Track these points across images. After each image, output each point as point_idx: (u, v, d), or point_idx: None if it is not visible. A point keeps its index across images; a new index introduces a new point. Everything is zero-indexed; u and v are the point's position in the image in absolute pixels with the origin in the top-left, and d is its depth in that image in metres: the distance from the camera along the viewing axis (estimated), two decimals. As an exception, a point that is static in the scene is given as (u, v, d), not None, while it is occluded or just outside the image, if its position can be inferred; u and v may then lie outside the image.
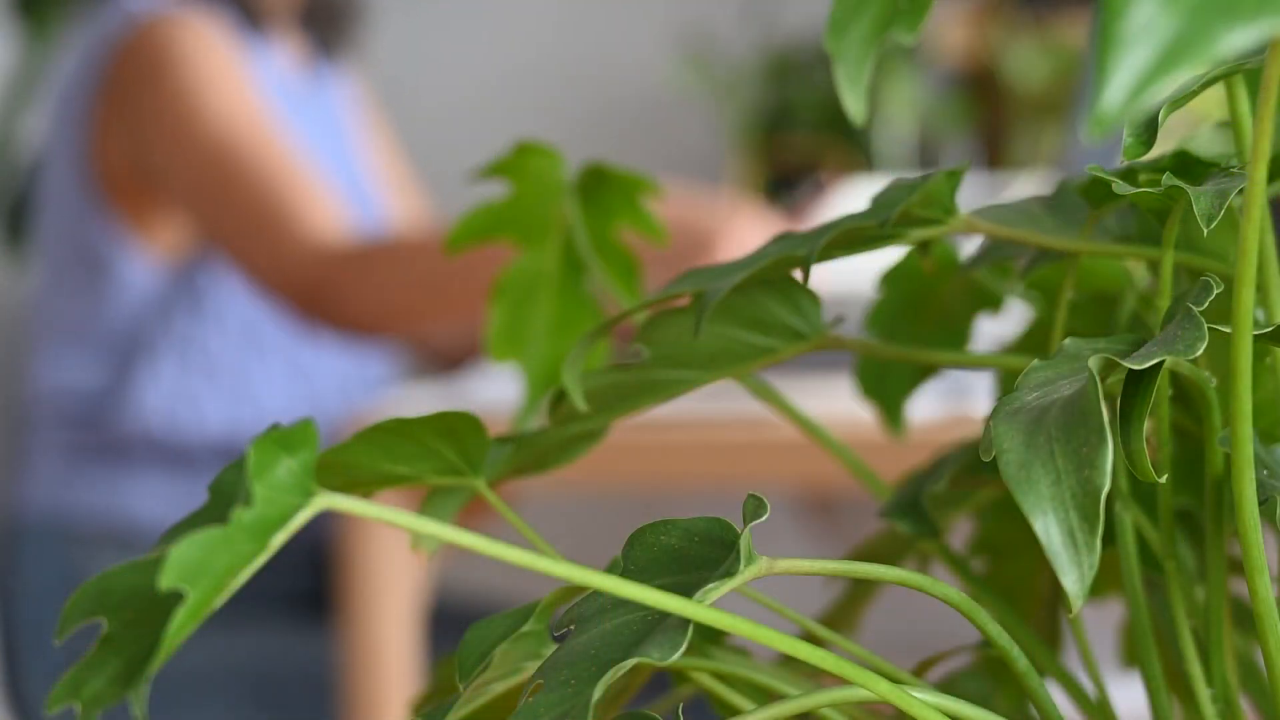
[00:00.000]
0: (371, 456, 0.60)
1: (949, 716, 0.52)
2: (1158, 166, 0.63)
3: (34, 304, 2.10)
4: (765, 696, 0.63)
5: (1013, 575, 0.77)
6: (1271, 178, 0.62)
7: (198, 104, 1.87)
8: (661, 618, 0.51)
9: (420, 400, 1.84)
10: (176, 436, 1.99)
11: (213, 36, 1.94)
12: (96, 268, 1.99)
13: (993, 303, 0.78)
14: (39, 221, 2.08)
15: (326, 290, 1.78)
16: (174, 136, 1.88)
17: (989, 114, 2.84)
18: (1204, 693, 0.60)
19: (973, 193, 2.27)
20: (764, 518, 0.52)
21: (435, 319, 1.81)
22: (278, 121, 1.92)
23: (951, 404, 1.58)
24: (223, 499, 0.50)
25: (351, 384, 2.09)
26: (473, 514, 1.93)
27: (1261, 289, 0.59)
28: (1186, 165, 0.63)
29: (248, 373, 2.02)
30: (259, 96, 1.94)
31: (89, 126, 1.97)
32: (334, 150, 2.14)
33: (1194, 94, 0.58)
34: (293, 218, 1.80)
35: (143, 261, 1.99)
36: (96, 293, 1.99)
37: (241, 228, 1.82)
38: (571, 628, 0.53)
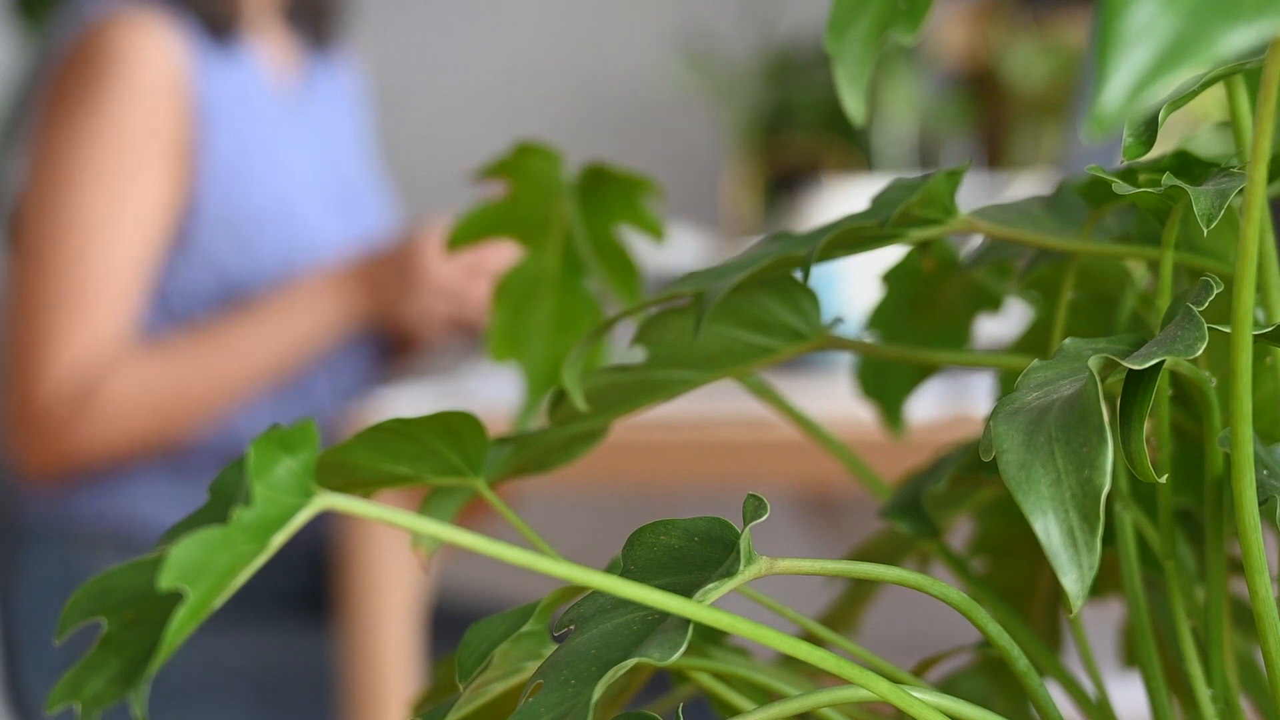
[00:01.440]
0: (371, 456, 0.60)
1: (949, 716, 0.52)
2: (1158, 166, 0.63)
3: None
4: (765, 696, 0.63)
5: (1013, 575, 0.77)
6: (1271, 178, 0.62)
7: (79, 174, 1.90)
8: (661, 618, 0.51)
9: (419, 400, 1.84)
10: (172, 442, 1.99)
11: (158, 44, 1.92)
12: None
13: (993, 303, 0.78)
14: (20, 224, 2.08)
15: (50, 436, 1.91)
16: (44, 186, 1.92)
17: (989, 114, 2.84)
18: (1204, 693, 0.60)
19: (973, 193, 2.27)
20: (764, 518, 0.52)
21: (185, 426, 1.95)
22: (145, 191, 1.93)
23: (951, 404, 1.58)
24: (223, 499, 0.50)
25: (344, 383, 2.09)
26: (473, 514, 1.93)
27: (1261, 289, 0.59)
28: (1186, 165, 0.63)
29: None
30: (157, 151, 1.93)
31: (36, 126, 1.98)
32: (323, 154, 2.12)
33: (1194, 94, 0.58)
34: (48, 343, 1.89)
35: None
36: None
37: (12, 324, 1.93)
38: (571, 628, 0.53)
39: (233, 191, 1.99)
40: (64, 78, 1.93)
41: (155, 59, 1.92)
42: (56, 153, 1.91)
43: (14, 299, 1.93)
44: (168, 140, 1.93)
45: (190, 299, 1.98)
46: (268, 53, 2.08)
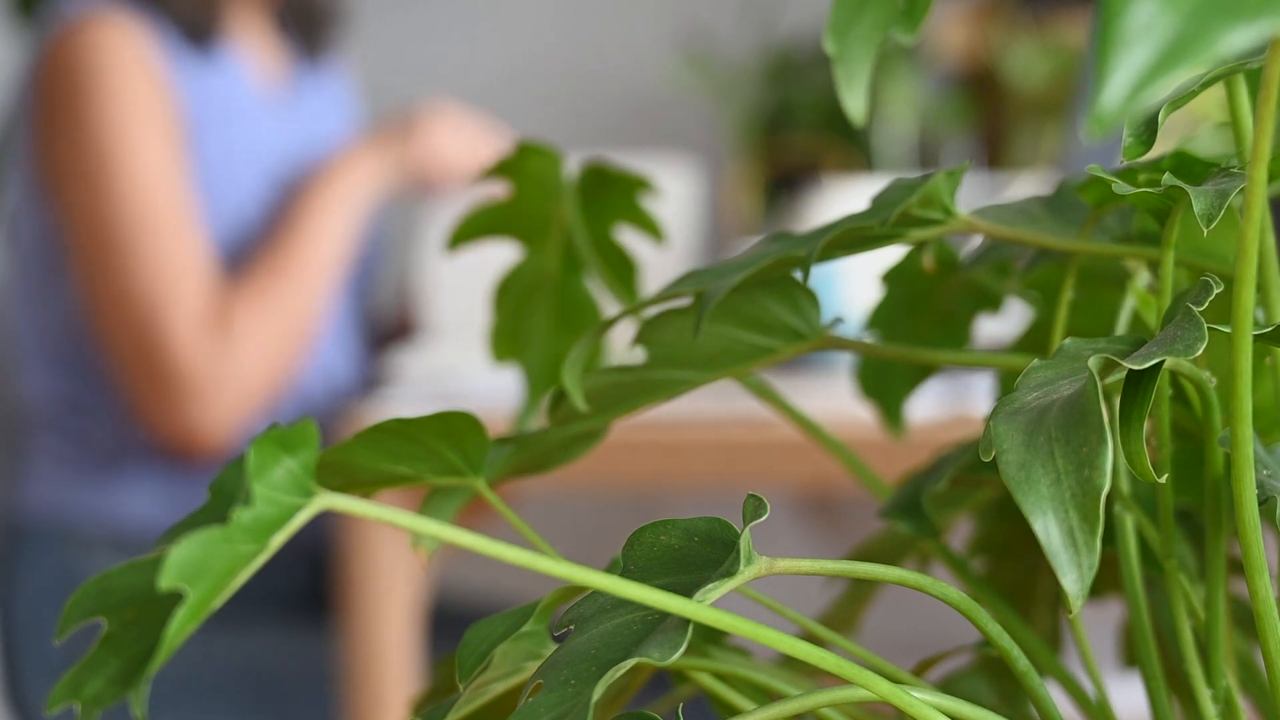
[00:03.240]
0: (371, 456, 0.60)
1: (949, 716, 0.52)
2: (1158, 166, 0.63)
3: (15, 309, 2.10)
4: (765, 696, 0.63)
5: (1013, 575, 0.77)
6: (1271, 178, 0.62)
7: (103, 161, 1.91)
8: (661, 618, 0.51)
9: (417, 400, 1.84)
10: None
11: (135, 44, 1.93)
12: (64, 274, 1.98)
13: (993, 303, 0.78)
14: (13, 227, 2.07)
15: (211, 394, 1.91)
16: (75, 190, 1.93)
17: (989, 114, 2.84)
18: (1204, 693, 0.60)
19: (973, 193, 2.27)
20: (764, 518, 0.52)
21: (306, 340, 1.99)
22: (166, 153, 1.94)
23: (951, 404, 1.58)
24: (223, 499, 0.50)
25: (340, 383, 2.09)
26: (473, 514, 1.93)
27: (1261, 289, 0.59)
28: (1186, 165, 0.63)
29: None
30: (160, 120, 1.94)
31: (30, 130, 1.97)
32: (312, 158, 2.12)
33: (1194, 94, 0.58)
34: (164, 313, 1.90)
35: None
36: (71, 301, 1.98)
37: (118, 320, 1.93)
38: (571, 628, 0.53)
39: (217, 195, 1.99)
40: (50, 78, 1.93)
41: (135, 52, 1.92)
42: (75, 149, 1.91)
43: (108, 296, 1.91)
44: (165, 120, 1.94)
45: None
46: (254, 58, 2.08)
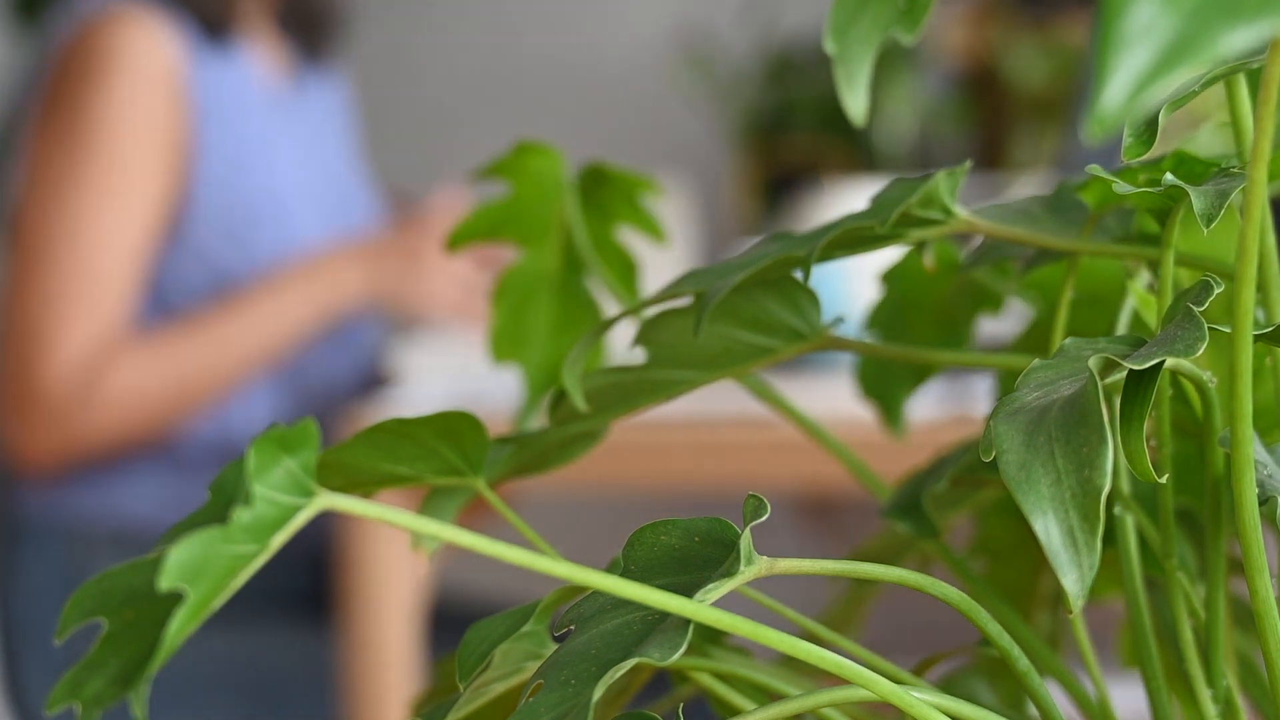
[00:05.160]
0: (371, 456, 0.60)
1: (949, 716, 0.52)
2: (1158, 166, 0.63)
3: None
4: (765, 696, 0.63)
5: (1013, 575, 0.77)
6: (1271, 178, 0.62)
7: (74, 161, 1.91)
8: (662, 618, 0.51)
9: (416, 400, 1.84)
10: (169, 437, 1.99)
11: (153, 40, 1.93)
12: None
13: (993, 303, 0.78)
14: (18, 221, 2.08)
15: (52, 427, 1.91)
16: (40, 172, 1.92)
17: (989, 114, 2.84)
18: (1204, 693, 0.60)
19: (973, 193, 2.27)
20: (764, 518, 0.52)
21: (187, 412, 1.96)
22: (142, 177, 1.93)
23: (951, 404, 1.58)
24: (223, 499, 0.50)
25: (340, 382, 2.09)
26: (473, 514, 1.93)
27: (1261, 289, 0.59)
28: (1186, 165, 0.63)
29: None
30: (153, 140, 1.93)
31: (30, 115, 1.98)
32: (314, 157, 2.12)
33: (1194, 94, 0.58)
34: (51, 333, 1.90)
35: None
36: None
37: (13, 314, 1.93)
38: (571, 628, 0.53)
39: (227, 187, 1.99)
40: (60, 75, 1.93)
41: (150, 54, 1.92)
42: (53, 149, 1.92)
43: (13, 294, 1.93)
44: (163, 135, 1.93)
45: (184, 293, 1.99)
46: (260, 54, 2.09)
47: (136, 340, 1.93)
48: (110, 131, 1.90)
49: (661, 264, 1.06)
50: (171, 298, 1.99)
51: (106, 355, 1.90)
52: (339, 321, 2.02)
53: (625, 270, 0.82)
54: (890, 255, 0.73)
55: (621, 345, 0.75)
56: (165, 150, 1.94)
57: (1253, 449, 0.53)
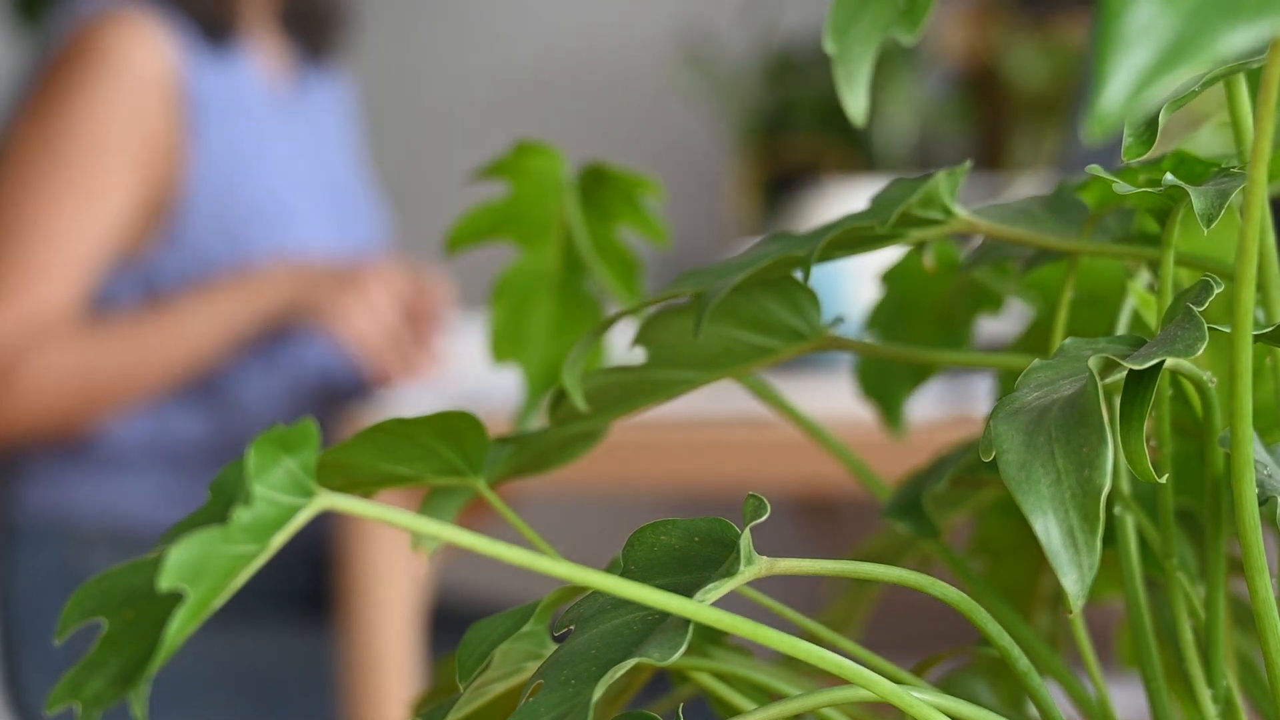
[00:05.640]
0: (371, 456, 0.60)
1: (949, 716, 0.52)
2: (1158, 166, 0.63)
3: None
4: (765, 696, 0.63)
5: (1013, 575, 0.77)
6: (1271, 178, 0.62)
7: (43, 151, 1.91)
8: (661, 618, 0.51)
9: (415, 400, 1.84)
10: (166, 438, 1.99)
11: (149, 42, 1.93)
12: None
13: (993, 303, 0.78)
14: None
15: None
16: (9, 155, 1.93)
17: (989, 114, 2.84)
18: (1204, 693, 0.60)
19: (973, 193, 2.26)
20: (764, 518, 0.52)
21: (108, 409, 1.96)
22: (113, 183, 1.93)
23: (951, 404, 1.58)
24: (223, 499, 0.50)
25: (337, 382, 2.09)
26: (473, 514, 1.93)
27: (1261, 289, 0.59)
28: (1186, 165, 0.63)
29: (225, 372, 2.02)
30: (130, 150, 1.93)
31: (18, 104, 1.99)
32: (315, 157, 2.12)
33: (1194, 94, 0.58)
34: None
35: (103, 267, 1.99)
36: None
37: None
38: (571, 628, 0.53)
39: (224, 187, 1.99)
40: (50, 73, 1.94)
41: (144, 57, 1.93)
42: (29, 141, 1.93)
43: None
44: (148, 138, 1.94)
45: (179, 291, 1.99)
46: (262, 56, 2.09)
47: (66, 332, 1.94)
48: (87, 132, 1.91)
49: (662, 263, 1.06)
50: (167, 296, 1.99)
51: (33, 341, 1.91)
52: (272, 333, 2.02)
53: (625, 270, 0.82)
54: (890, 255, 0.73)
55: (621, 345, 0.75)
56: (149, 154, 1.94)
57: (1253, 449, 0.53)
